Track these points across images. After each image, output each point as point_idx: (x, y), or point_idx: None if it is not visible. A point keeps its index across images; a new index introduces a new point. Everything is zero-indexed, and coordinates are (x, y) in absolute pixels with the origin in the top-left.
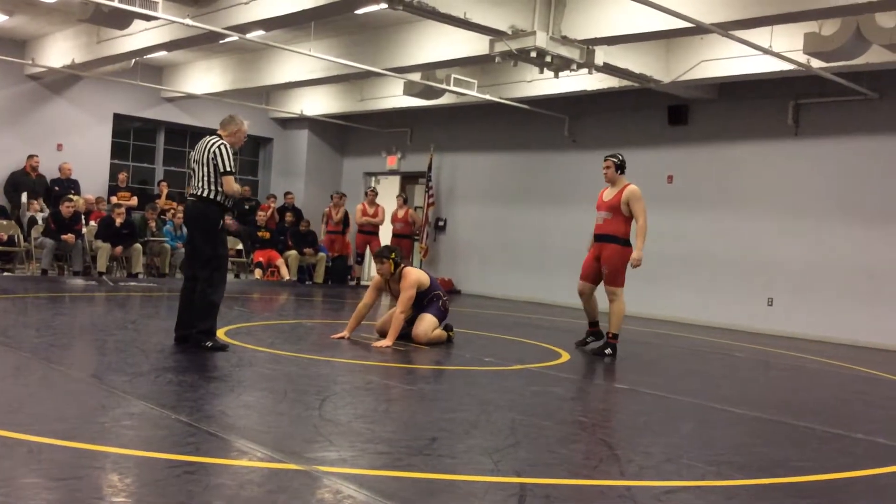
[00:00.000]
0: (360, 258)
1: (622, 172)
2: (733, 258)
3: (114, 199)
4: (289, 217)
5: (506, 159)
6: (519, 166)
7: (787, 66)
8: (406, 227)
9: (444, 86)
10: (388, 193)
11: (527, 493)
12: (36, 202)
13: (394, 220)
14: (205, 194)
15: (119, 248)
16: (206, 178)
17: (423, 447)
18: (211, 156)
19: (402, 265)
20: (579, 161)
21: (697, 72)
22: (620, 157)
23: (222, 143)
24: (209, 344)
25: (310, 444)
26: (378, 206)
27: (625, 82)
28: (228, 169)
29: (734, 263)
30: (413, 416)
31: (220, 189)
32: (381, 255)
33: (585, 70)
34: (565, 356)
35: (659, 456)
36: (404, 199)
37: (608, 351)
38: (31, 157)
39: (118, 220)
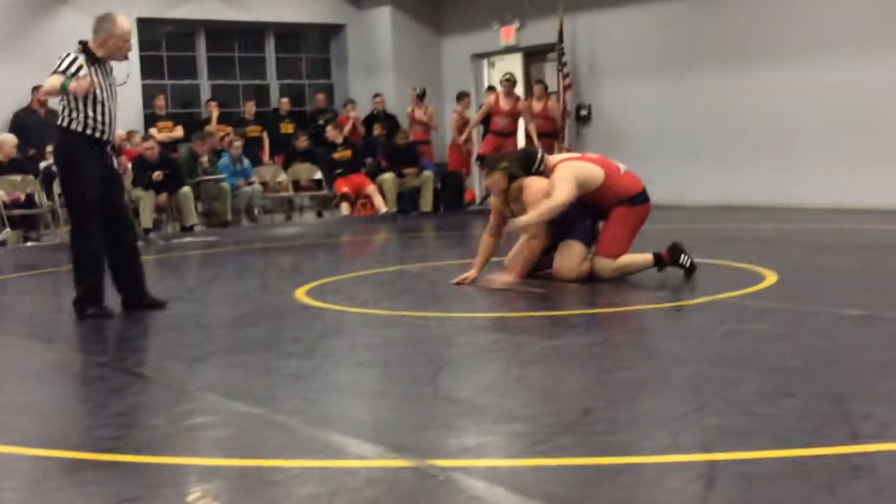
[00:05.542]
0: None
1: None
2: None
3: (153, 132)
4: (377, 129)
5: (664, 9)
6: (684, 17)
7: None
8: (547, 122)
9: None
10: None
11: (717, 472)
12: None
13: (532, 115)
14: (61, 123)
15: (163, 196)
16: (60, 105)
17: (573, 423)
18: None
19: (520, 177)
20: None
21: None
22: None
23: (67, 54)
24: (90, 311)
25: (422, 431)
26: (517, 98)
27: None
28: (56, 70)
29: None
30: (558, 381)
31: (74, 116)
32: (486, 163)
33: None
34: (771, 278)
35: None
36: (545, 86)
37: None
38: (37, 87)
39: (149, 157)
